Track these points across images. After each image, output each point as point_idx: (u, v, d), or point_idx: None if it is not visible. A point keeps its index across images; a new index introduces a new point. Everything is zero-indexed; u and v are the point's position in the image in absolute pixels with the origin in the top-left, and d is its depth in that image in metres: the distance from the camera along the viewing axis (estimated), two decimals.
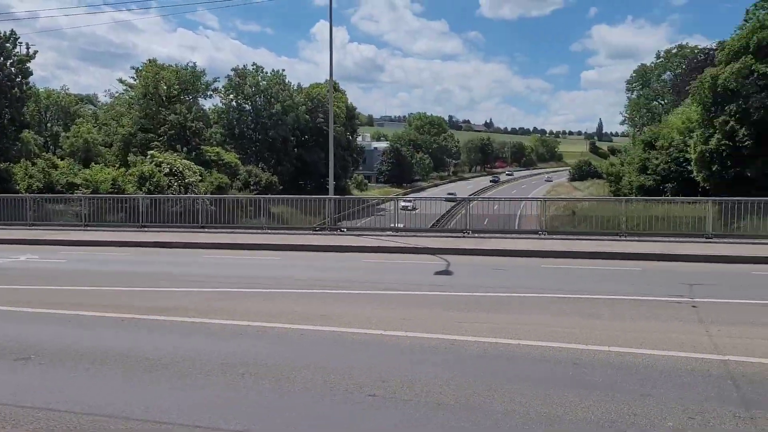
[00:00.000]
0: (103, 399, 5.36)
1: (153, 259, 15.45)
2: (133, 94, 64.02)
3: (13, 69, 37.72)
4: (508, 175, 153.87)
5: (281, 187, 62.29)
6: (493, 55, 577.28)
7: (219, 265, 14.07)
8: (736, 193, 34.12)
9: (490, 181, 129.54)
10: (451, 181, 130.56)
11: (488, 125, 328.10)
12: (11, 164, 38.93)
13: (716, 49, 64.91)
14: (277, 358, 6.57)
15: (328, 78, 23.40)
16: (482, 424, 4.83)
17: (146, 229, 20.60)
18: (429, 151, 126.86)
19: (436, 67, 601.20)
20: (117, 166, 44.60)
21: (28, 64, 38.44)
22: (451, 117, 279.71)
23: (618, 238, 16.15)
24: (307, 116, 76.71)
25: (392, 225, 19.22)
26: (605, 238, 16.26)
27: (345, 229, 18.96)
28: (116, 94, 67.35)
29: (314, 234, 18.52)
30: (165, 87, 63.77)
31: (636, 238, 16.00)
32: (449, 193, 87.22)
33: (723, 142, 38.92)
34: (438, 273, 12.38)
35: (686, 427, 4.73)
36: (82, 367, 6.28)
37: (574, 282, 11.33)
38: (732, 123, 38.33)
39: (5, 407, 5.19)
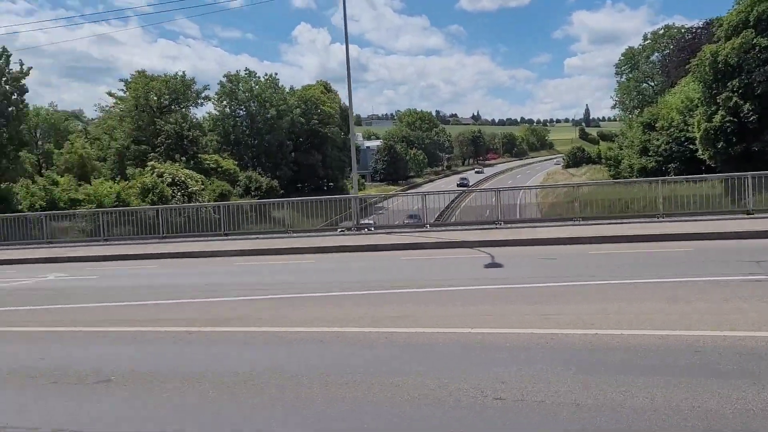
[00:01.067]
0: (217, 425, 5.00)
1: (188, 270, 14.93)
2: (123, 106, 63.36)
3: (7, 86, 36.78)
4: (477, 173, 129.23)
5: (282, 192, 61.77)
6: (476, 48, 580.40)
7: (257, 273, 13.68)
8: (743, 168, 34.02)
9: (458, 184, 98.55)
10: (446, 176, 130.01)
11: (475, 118, 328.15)
12: (10, 184, 38.27)
13: (703, 28, 64.94)
14: (379, 364, 6.19)
15: (347, 85, 23.03)
16: (637, 426, 4.48)
17: (166, 240, 20.16)
18: (422, 146, 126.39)
19: (420, 63, 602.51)
20: (116, 179, 43.97)
21: (23, 81, 37.53)
22: (438, 112, 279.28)
23: (656, 219, 15.87)
24: (302, 119, 76.20)
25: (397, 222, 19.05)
26: (642, 220, 15.99)
27: (372, 228, 18.62)
28: (106, 108, 66.75)
29: (342, 235, 18.13)
30: (156, 97, 63.18)
31: (675, 219, 15.73)
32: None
33: (727, 119, 38.76)
34: (488, 266, 12.04)
35: None
36: (163, 389, 5.90)
37: (632, 267, 11.04)
38: (735, 99, 38.17)
39: None
